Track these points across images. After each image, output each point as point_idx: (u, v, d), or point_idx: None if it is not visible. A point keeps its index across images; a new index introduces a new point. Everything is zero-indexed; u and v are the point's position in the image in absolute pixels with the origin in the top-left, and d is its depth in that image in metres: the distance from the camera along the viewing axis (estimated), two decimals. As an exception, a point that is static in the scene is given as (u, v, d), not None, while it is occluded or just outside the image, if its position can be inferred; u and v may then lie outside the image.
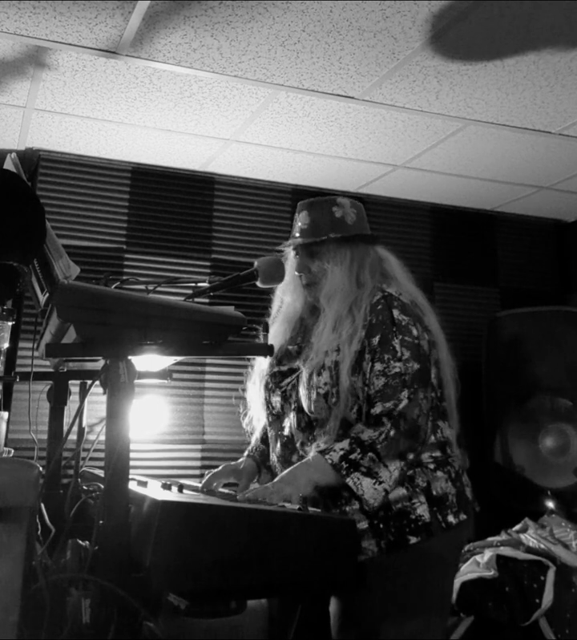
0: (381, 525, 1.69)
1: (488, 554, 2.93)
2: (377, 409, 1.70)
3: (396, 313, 1.77)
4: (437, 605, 1.77)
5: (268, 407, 1.94)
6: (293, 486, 1.64)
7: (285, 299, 2.01)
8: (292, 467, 1.72)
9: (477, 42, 2.35)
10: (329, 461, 1.66)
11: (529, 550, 2.92)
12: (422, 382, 1.73)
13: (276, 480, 1.72)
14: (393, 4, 2.14)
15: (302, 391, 1.80)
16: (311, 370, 1.79)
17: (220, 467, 1.95)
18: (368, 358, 1.75)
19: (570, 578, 2.81)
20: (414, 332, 1.76)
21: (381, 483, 1.65)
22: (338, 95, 2.75)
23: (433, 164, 3.46)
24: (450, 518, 1.71)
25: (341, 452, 1.66)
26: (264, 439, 2.02)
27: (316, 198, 1.97)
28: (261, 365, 1.99)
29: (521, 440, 3.59)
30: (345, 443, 1.68)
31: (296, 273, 1.94)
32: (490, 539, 3.09)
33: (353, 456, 1.65)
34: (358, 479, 1.64)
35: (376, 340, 1.75)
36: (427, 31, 2.27)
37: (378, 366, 1.72)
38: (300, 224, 1.96)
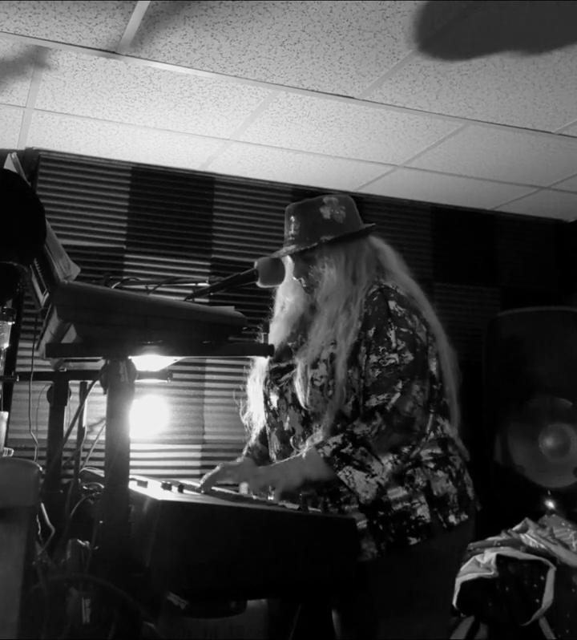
0: (381, 526, 1.68)
1: (488, 554, 2.93)
2: (371, 402, 1.70)
3: (392, 304, 1.76)
4: (439, 605, 1.76)
5: (266, 403, 1.95)
6: (282, 474, 1.65)
7: (287, 300, 2.01)
8: (286, 459, 1.74)
9: (476, 43, 2.35)
10: (321, 455, 1.66)
11: (529, 550, 2.92)
12: (418, 373, 1.71)
13: (268, 466, 1.73)
14: (393, 4, 2.14)
15: (298, 384, 1.80)
16: (306, 363, 1.79)
17: (218, 468, 1.95)
18: (363, 351, 1.74)
19: (570, 578, 2.81)
20: (410, 323, 1.75)
21: (373, 476, 1.64)
22: (338, 95, 2.75)
23: (433, 164, 3.46)
24: (452, 518, 1.70)
25: (334, 446, 1.67)
26: (263, 438, 2.02)
27: (303, 201, 1.95)
28: (262, 361, 2.00)
29: (521, 440, 3.59)
30: (338, 438, 1.68)
31: (295, 279, 1.94)
32: (490, 539, 3.09)
33: (344, 450, 1.66)
34: (350, 472, 1.64)
35: (371, 332, 1.74)
36: (427, 32, 2.27)
37: (373, 358, 1.72)
38: (291, 231, 1.95)
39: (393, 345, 1.71)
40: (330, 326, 1.81)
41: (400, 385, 1.68)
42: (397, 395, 1.67)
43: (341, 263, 1.87)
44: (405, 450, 1.68)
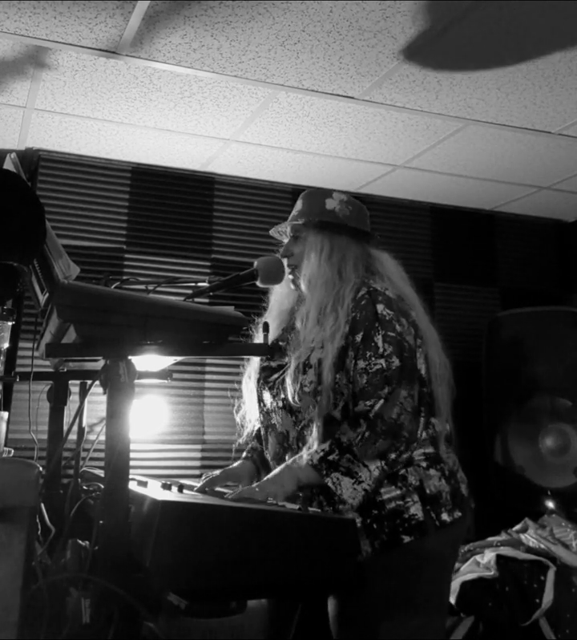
0: (375, 525, 1.69)
1: (488, 554, 2.93)
2: (358, 408, 1.70)
3: (380, 308, 1.75)
4: (435, 603, 1.76)
5: (260, 403, 1.94)
6: (277, 484, 1.65)
7: (281, 291, 2.01)
8: (277, 469, 1.73)
9: (476, 43, 2.35)
10: (310, 462, 1.67)
11: (529, 550, 2.92)
12: (406, 378, 1.70)
13: (261, 480, 1.73)
14: (393, 4, 2.14)
15: (289, 388, 1.79)
16: (297, 363, 1.79)
17: (218, 472, 1.94)
18: (351, 355, 1.74)
19: (570, 578, 2.81)
20: (398, 328, 1.74)
21: (360, 482, 1.65)
22: (338, 95, 2.75)
23: (433, 164, 3.46)
24: (444, 516, 1.71)
25: (321, 453, 1.67)
26: (259, 437, 2.01)
27: (315, 189, 1.97)
28: (255, 359, 1.99)
29: (521, 440, 3.59)
30: (326, 445, 1.69)
31: (281, 257, 1.93)
32: (490, 539, 3.09)
33: (331, 457, 1.66)
34: (338, 479, 1.64)
35: (359, 337, 1.73)
36: (427, 32, 2.27)
37: (361, 364, 1.72)
38: (293, 212, 1.98)
39: (380, 350, 1.71)
40: (318, 323, 1.80)
41: (386, 391, 1.68)
42: (382, 402, 1.67)
43: (326, 251, 1.86)
44: (393, 456, 1.67)
